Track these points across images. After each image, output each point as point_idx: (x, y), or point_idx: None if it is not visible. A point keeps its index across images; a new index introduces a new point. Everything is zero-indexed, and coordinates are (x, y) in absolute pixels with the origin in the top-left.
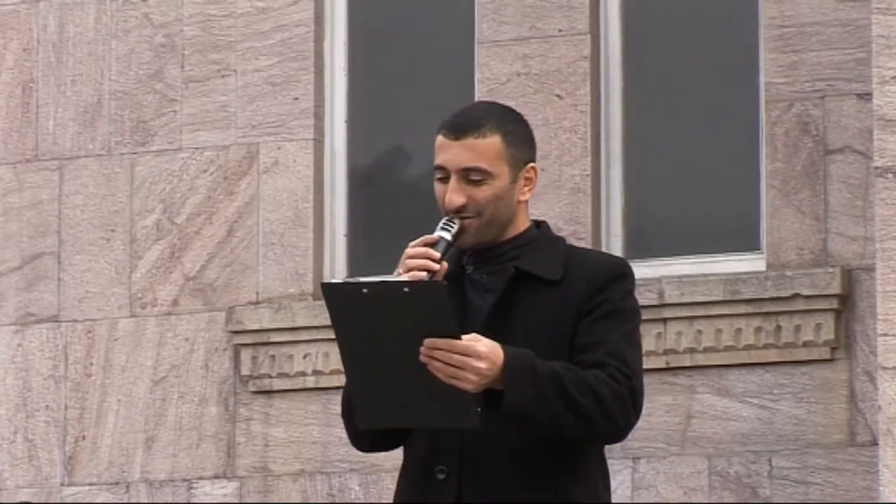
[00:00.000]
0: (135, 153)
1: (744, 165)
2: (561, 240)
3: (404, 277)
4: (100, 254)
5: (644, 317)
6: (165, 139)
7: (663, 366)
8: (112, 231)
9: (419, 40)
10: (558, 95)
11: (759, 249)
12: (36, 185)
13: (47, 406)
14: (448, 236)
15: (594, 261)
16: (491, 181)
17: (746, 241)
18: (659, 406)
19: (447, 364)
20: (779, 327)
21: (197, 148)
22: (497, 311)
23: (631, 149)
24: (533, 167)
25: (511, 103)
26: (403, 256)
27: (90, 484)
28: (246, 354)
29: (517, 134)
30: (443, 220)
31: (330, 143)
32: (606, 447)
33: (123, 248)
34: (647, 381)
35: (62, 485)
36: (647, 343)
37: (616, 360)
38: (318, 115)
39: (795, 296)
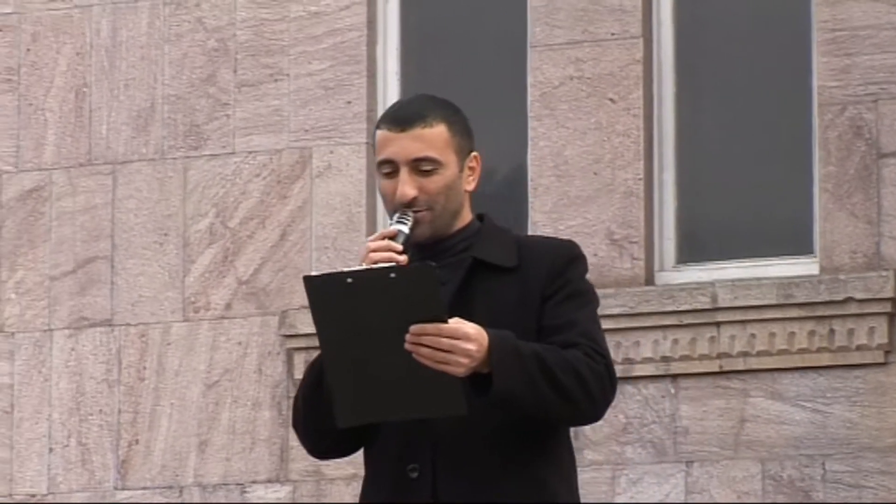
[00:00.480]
0: (188, 157)
1: (797, 169)
2: (507, 229)
3: (392, 264)
4: (153, 258)
5: (697, 320)
6: (218, 143)
7: (716, 370)
8: (165, 235)
9: (471, 44)
10: (611, 99)
11: (812, 253)
12: (89, 189)
13: (101, 410)
14: (406, 229)
15: (547, 245)
16: (441, 171)
17: (799, 244)
18: (712, 410)
19: (435, 349)
20: (832, 331)
21: (250, 152)
22: (457, 302)
23: (684, 152)
24: (476, 156)
25: (564, 107)
26: (365, 251)
27: (143, 488)
28: (299, 358)
29: (460, 123)
30: (396, 215)
31: None
32: (664, 453)
33: (176, 252)
34: (700, 384)
35: (115, 489)
36: (701, 347)
37: (588, 339)
38: (371, 119)
39: (849, 299)
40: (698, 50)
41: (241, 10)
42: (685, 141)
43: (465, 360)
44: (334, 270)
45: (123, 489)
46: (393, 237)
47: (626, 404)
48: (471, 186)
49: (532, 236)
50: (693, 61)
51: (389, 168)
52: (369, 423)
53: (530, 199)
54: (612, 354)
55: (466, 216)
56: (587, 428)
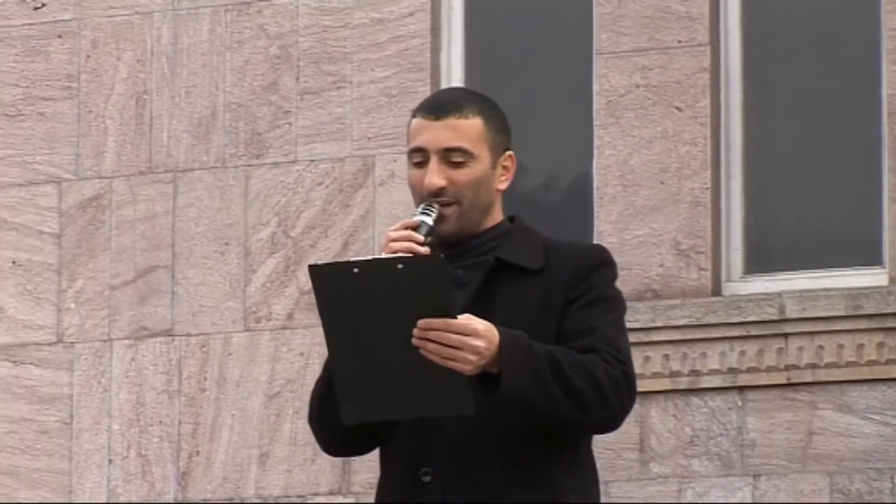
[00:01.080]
0: (249, 165)
1: (865, 178)
2: (537, 231)
3: (394, 247)
4: (214, 267)
5: (765, 332)
6: (280, 151)
7: (784, 381)
8: (226, 244)
9: (537, 51)
10: (678, 108)
11: (881, 264)
12: (150, 197)
13: (161, 421)
14: (429, 220)
15: (576, 248)
16: (472, 164)
17: (868, 255)
18: (780, 422)
19: (443, 345)
20: None
21: (312, 160)
22: (477, 304)
23: (751, 161)
24: (511, 155)
25: (630, 115)
26: (385, 240)
27: (204, 500)
28: None
29: (497, 119)
30: (421, 206)
31: None
32: (731, 466)
33: (238, 261)
34: (768, 396)
35: (175, 501)
36: (768, 358)
37: (608, 345)
38: None
39: None
40: (766, 58)
41: (304, 16)
42: (753, 150)
43: (472, 357)
44: (341, 260)
45: (183, 501)
46: (415, 228)
47: (692, 416)
48: (503, 186)
49: (561, 240)
50: (761, 69)
51: (420, 157)
52: (379, 423)
53: (596, 209)
54: (679, 366)
55: (496, 216)
56: (653, 441)
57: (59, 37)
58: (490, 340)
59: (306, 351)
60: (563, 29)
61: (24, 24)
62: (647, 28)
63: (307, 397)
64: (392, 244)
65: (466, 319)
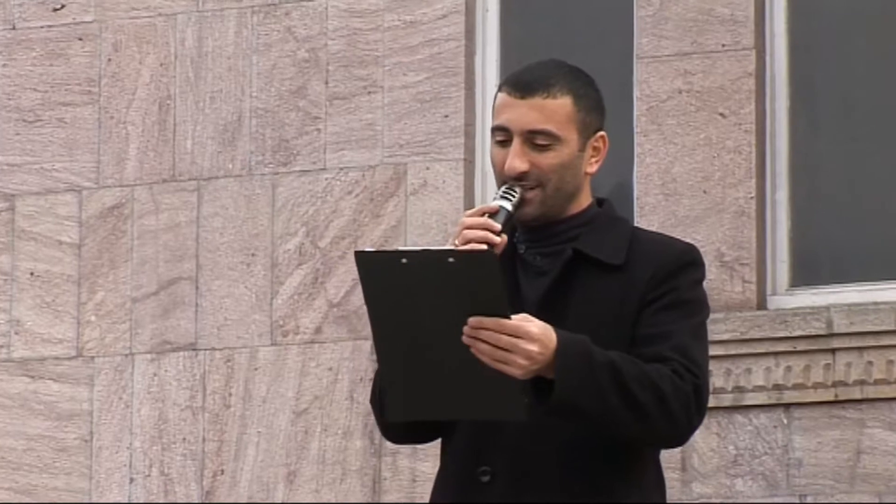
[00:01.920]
0: (276, 173)
1: None
2: (626, 220)
3: (452, 248)
4: (239, 279)
5: (812, 347)
6: (308, 159)
7: (832, 398)
8: (252, 255)
9: (575, 55)
10: (721, 114)
11: None
12: (173, 206)
13: (184, 438)
14: (509, 206)
15: (662, 245)
16: (558, 147)
17: None
18: (827, 441)
19: (494, 346)
20: None
21: (341, 168)
22: (550, 297)
23: (798, 170)
24: (602, 136)
25: (671, 122)
26: (459, 227)
27: None
28: None
29: (589, 98)
30: (502, 189)
31: (481, 163)
32: (776, 486)
33: (264, 273)
34: (815, 414)
35: None
36: (815, 375)
37: (681, 355)
38: (469, 133)
39: None
40: (813, 62)
41: (333, 19)
42: (799, 158)
43: (524, 362)
44: (390, 249)
45: None
46: (493, 214)
47: (736, 435)
48: (592, 168)
49: (651, 232)
50: (808, 74)
51: (503, 136)
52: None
53: (636, 219)
54: (722, 382)
55: (584, 200)
56: (695, 460)
57: (80, 39)
58: (544, 344)
59: (335, 366)
60: (602, 32)
61: (42, 27)
62: (690, 31)
63: (336, 414)
64: (466, 232)
65: (522, 321)
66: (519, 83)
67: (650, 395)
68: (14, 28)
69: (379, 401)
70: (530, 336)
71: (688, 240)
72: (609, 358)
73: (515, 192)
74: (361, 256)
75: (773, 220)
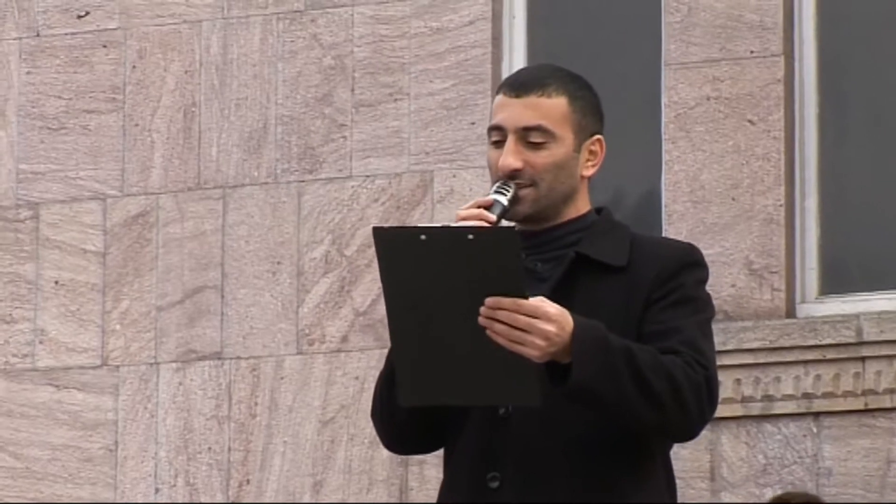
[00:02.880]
0: (302, 181)
1: None
2: (624, 225)
3: (472, 223)
4: (265, 287)
5: (841, 355)
6: (335, 166)
7: (862, 407)
8: (278, 263)
9: (603, 61)
10: (750, 121)
11: None
12: (198, 214)
13: (210, 448)
14: (504, 200)
15: (664, 246)
16: (552, 146)
17: None
18: (857, 450)
19: (511, 326)
20: None
21: (368, 176)
22: (554, 300)
23: (827, 178)
24: (599, 139)
25: (700, 129)
26: (455, 219)
27: None
28: None
29: (585, 100)
30: (496, 185)
31: None
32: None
33: (290, 281)
34: (844, 423)
35: None
36: (845, 383)
37: (691, 348)
38: None
39: None
40: (842, 69)
41: (359, 25)
42: (828, 165)
43: (541, 343)
44: (409, 226)
45: None
46: (488, 207)
47: (765, 444)
48: (589, 172)
49: (651, 236)
50: (837, 81)
51: (498, 136)
52: (440, 418)
53: (664, 227)
54: (751, 391)
55: (582, 206)
56: (724, 469)
57: (104, 46)
58: (562, 327)
59: (361, 375)
60: (630, 38)
61: (67, 34)
62: (719, 38)
63: (362, 423)
64: (462, 223)
65: (539, 301)
66: (515, 83)
67: (665, 384)
68: (38, 35)
69: (385, 402)
70: (548, 317)
71: (716, 248)
72: (625, 344)
73: (510, 187)
74: (380, 232)
75: (802, 228)
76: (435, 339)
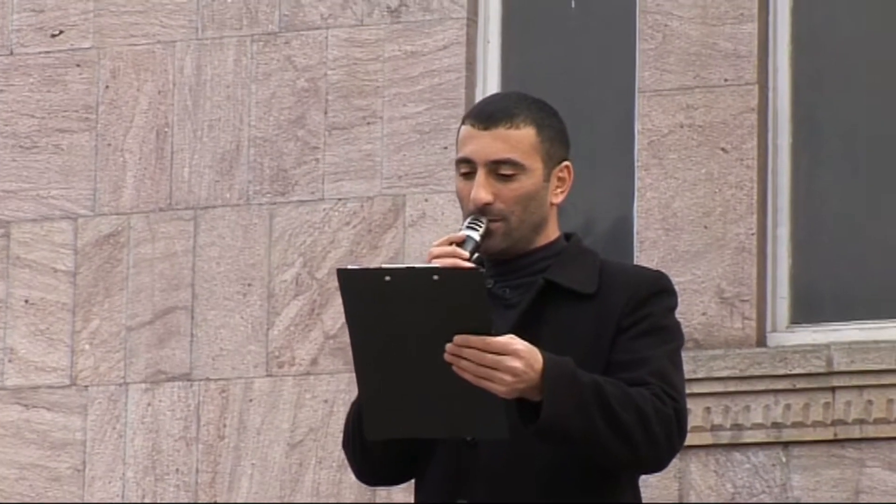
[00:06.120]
0: (274, 203)
1: None
2: (594, 252)
3: (436, 264)
4: (235, 309)
5: (811, 385)
6: (307, 189)
7: (831, 437)
8: (249, 285)
9: (577, 88)
10: (723, 149)
11: None
12: (169, 235)
13: (177, 469)
14: (476, 235)
15: (633, 274)
16: (522, 177)
17: None
18: (826, 480)
19: (478, 364)
20: None
21: (340, 199)
22: (521, 328)
23: (799, 206)
24: (567, 166)
25: (673, 156)
26: (428, 256)
27: None
28: None
29: (553, 128)
30: (468, 220)
31: None
32: None
33: (260, 303)
34: (814, 453)
35: None
36: (815, 413)
37: (660, 379)
38: None
39: None
40: (816, 98)
41: (333, 48)
42: (801, 194)
43: (509, 379)
44: (373, 266)
45: None
46: (461, 243)
47: (734, 472)
48: (558, 199)
49: (620, 263)
50: (811, 110)
51: (467, 168)
52: (413, 448)
53: (636, 254)
54: (720, 419)
55: (551, 233)
56: (692, 497)
57: (77, 66)
58: (530, 364)
59: (331, 398)
60: (604, 65)
61: (40, 52)
62: (693, 65)
63: (331, 447)
64: (434, 262)
65: (508, 339)
66: (482, 115)
67: (633, 417)
68: (11, 54)
69: (355, 434)
70: (517, 353)
71: (688, 275)
72: (593, 379)
73: (482, 222)
74: (344, 274)
75: (773, 257)
76: (400, 375)
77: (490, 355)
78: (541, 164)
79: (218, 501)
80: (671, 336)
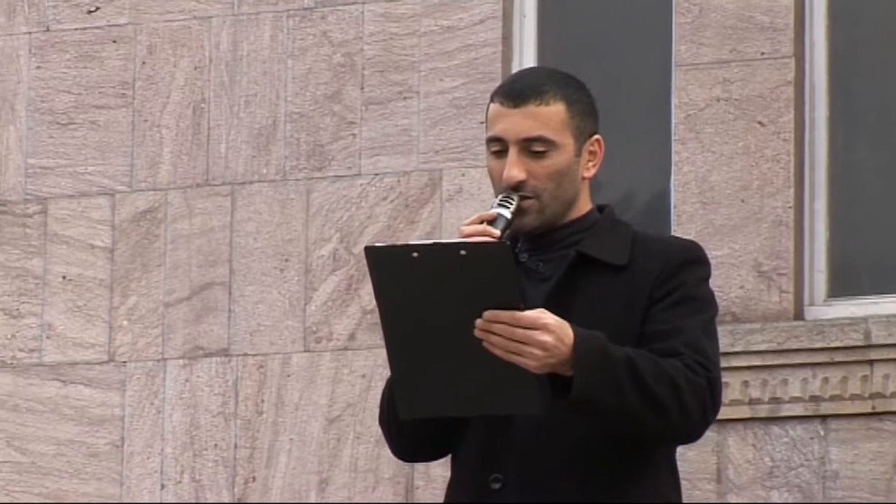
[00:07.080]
0: (311, 179)
1: None
2: (626, 224)
3: (463, 240)
4: (273, 284)
5: (849, 358)
6: (343, 164)
7: (869, 410)
8: (286, 261)
9: (613, 62)
10: (760, 122)
11: None
12: (206, 211)
13: (216, 445)
14: (507, 213)
15: (666, 244)
16: (554, 154)
17: None
18: (864, 453)
19: (508, 339)
20: None
21: (376, 174)
22: (554, 301)
23: (837, 179)
24: (598, 140)
25: (710, 130)
26: (458, 235)
27: None
28: None
29: (582, 103)
30: (500, 197)
31: None
32: (812, 498)
33: (298, 278)
34: (852, 426)
35: None
36: (853, 386)
37: (693, 350)
38: None
39: None
40: (853, 71)
41: (369, 23)
42: (838, 167)
43: (539, 353)
44: (400, 243)
45: None
46: (492, 221)
47: (772, 446)
48: (589, 173)
49: (653, 233)
50: (848, 83)
51: (498, 146)
52: (447, 425)
53: (673, 228)
54: (759, 393)
55: (583, 206)
56: (731, 471)
57: (114, 42)
58: (560, 339)
59: (368, 373)
60: (640, 39)
61: (76, 29)
62: (729, 39)
63: (369, 421)
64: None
65: (538, 313)
66: (511, 92)
67: (666, 390)
68: (48, 30)
69: (392, 411)
70: (546, 328)
71: (725, 249)
72: (625, 353)
73: (513, 199)
74: (371, 251)
75: (811, 230)
76: (432, 353)
77: (520, 330)
78: (572, 140)
79: (256, 476)
80: (704, 306)
